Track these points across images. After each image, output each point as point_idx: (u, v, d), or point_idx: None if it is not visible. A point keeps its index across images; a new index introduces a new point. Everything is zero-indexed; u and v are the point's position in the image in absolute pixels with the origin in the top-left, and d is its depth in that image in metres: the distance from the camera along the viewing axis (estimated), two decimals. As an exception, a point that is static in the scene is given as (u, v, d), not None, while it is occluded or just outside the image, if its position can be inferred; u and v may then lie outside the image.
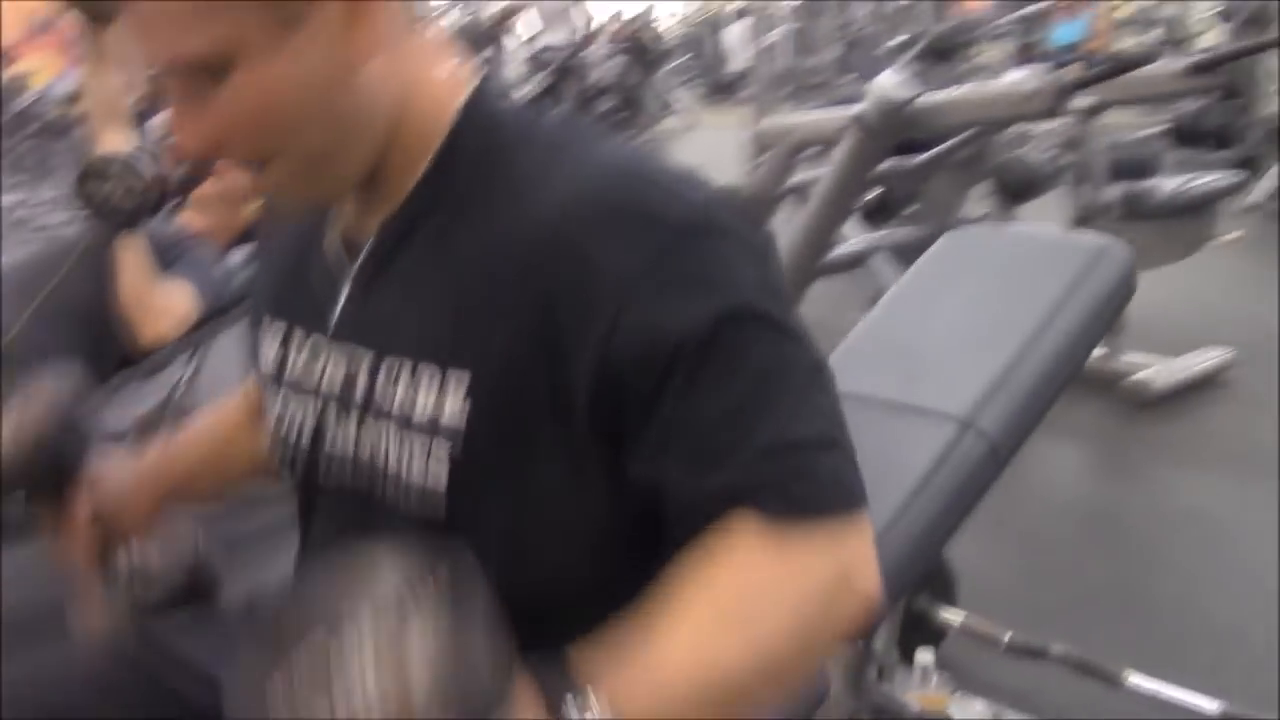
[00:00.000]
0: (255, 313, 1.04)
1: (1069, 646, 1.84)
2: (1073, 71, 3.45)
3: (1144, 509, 2.85)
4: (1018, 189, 4.07)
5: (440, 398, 0.84)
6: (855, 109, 4.17)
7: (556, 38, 8.63)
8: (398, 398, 0.87)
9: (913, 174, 4.39)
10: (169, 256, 2.65)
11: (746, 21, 15.24)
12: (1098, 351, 3.40)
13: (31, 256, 2.84)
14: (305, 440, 0.96)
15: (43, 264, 2.71)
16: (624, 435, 0.82)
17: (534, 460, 0.84)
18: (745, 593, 0.79)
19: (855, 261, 4.46)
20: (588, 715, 0.73)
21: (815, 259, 4.33)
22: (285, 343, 0.98)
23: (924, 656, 1.71)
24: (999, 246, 1.68)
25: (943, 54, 5.67)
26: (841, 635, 0.84)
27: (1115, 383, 3.52)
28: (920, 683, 1.65)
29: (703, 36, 15.71)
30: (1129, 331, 3.56)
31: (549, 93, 8.18)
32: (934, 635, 1.86)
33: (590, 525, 0.88)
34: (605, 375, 0.80)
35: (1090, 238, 1.59)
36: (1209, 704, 1.75)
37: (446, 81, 0.90)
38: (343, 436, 0.92)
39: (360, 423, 0.90)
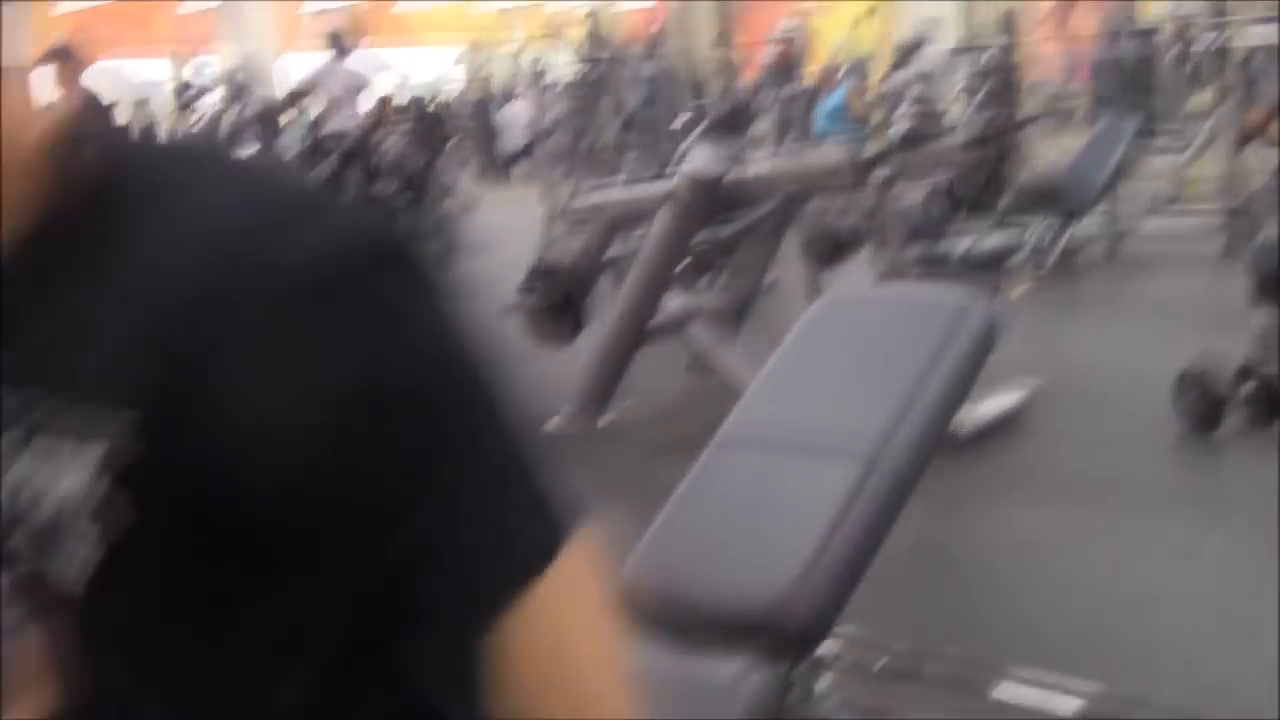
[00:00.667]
0: None
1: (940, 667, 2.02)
2: (872, 148, 3.77)
3: (969, 541, 3.11)
4: (827, 252, 4.36)
5: (83, 474, 0.69)
6: (670, 184, 4.40)
7: (343, 121, 8.61)
8: (38, 478, 0.71)
9: (726, 242, 4.64)
10: None
11: (521, 101, 15.55)
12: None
13: None
14: None
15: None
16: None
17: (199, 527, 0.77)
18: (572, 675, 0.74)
19: (675, 327, 4.65)
20: None
21: (639, 327, 4.51)
22: None
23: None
24: (872, 307, 1.87)
25: (729, 129, 5.97)
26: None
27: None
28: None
29: (474, 114, 15.86)
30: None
31: (337, 176, 8.16)
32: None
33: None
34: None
35: (953, 294, 1.80)
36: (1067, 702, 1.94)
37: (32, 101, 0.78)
38: None
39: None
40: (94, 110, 0.85)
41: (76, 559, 0.69)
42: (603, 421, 4.56)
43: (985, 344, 1.69)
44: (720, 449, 1.69)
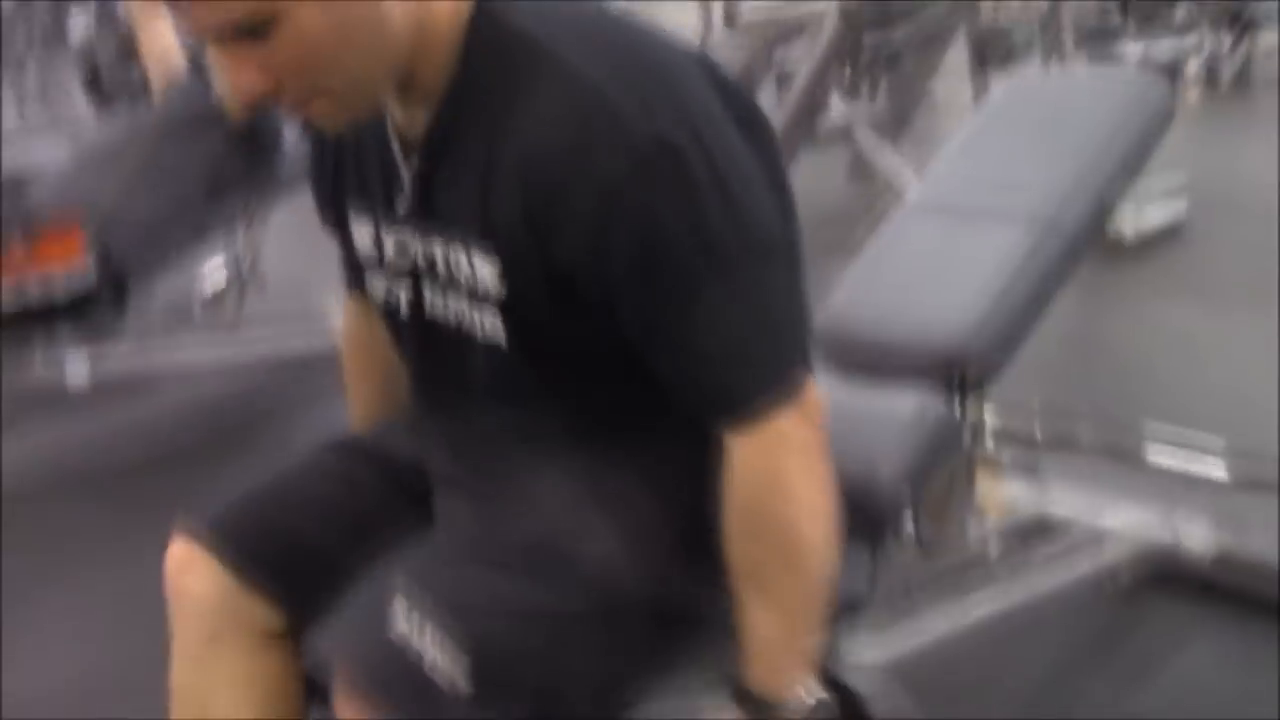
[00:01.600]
0: (333, 208, 1.19)
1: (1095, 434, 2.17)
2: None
3: (1130, 333, 3.22)
4: (997, 56, 4.37)
5: (486, 274, 1.02)
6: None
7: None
8: (463, 275, 1.05)
9: (892, 48, 4.68)
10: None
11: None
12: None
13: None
14: (405, 310, 1.13)
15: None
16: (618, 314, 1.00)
17: (563, 318, 1.03)
18: (773, 513, 1.01)
19: (839, 134, 4.75)
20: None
21: (803, 134, 4.62)
22: (375, 232, 1.13)
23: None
24: (1055, 87, 1.99)
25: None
26: (826, 470, 1.05)
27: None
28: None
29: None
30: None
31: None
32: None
33: (619, 360, 1.04)
34: (591, 273, 0.98)
35: (1131, 75, 1.90)
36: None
37: None
38: (435, 305, 1.11)
39: (444, 294, 1.09)
40: None
41: (486, 321, 1.05)
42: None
43: (1162, 122, 1.80)
44: (907, 213, 1.86)
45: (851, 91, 4.99)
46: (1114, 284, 3.64)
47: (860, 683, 1.18)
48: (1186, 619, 1.96)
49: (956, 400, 1.68)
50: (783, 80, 4.98)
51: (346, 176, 1.16)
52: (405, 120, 1.06)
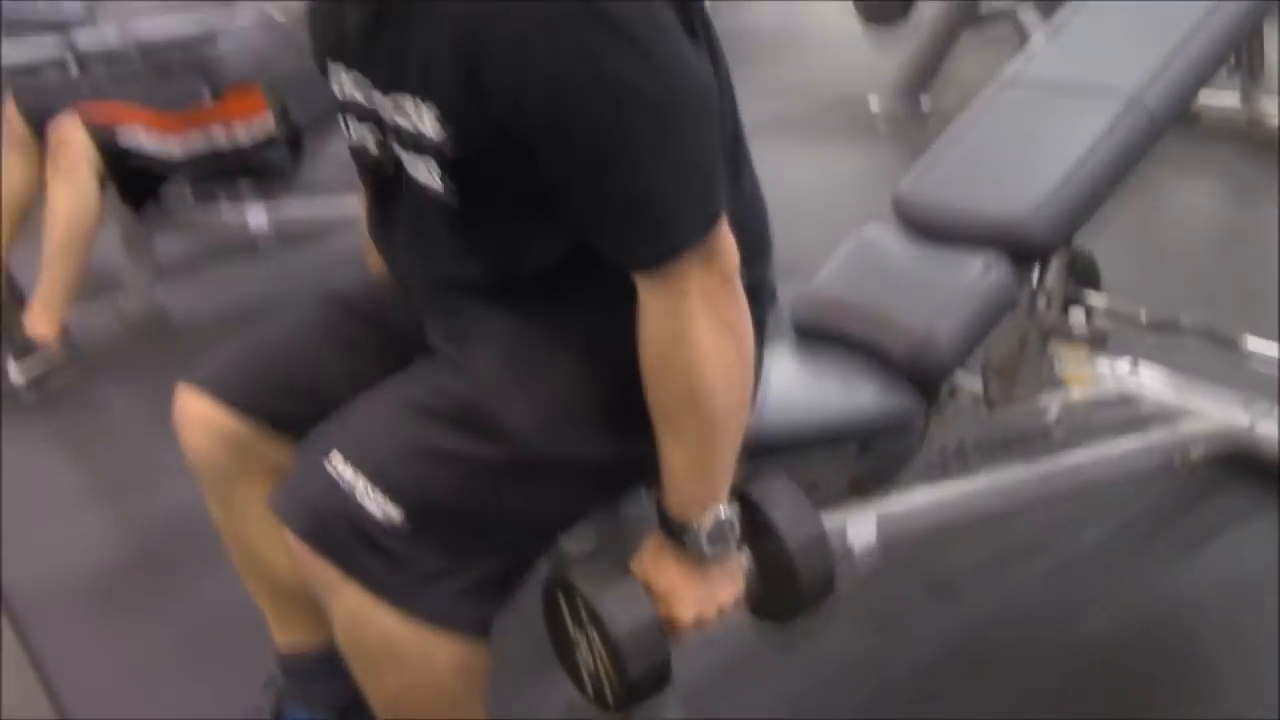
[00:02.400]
0: (320, 55, 1.27)
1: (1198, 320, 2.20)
2: None
3: (1271, 230, 3.17)
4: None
5: (427, 122, 1.10)
6: None
7: None
8: (406, 124, 1.13)
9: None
10: None
11: None
12: (1233, 100, 3.67)
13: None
14: (371, 150, 1.23)
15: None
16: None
17: (497, 168, 1.09)
18: (677, 359, 1.09)
19: (1004, 13, 4.66)
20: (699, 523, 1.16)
21: (966, 11, 4.56)
22: (341, 79, 1.22)
23: (1076, 316, 2.10)
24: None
25: None
26: (734, 316, 1.11)
27: (1251, 129, 3.77)
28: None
29: None
30: (1266, 81, 3.79)
31: None
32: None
33: (548, 215, 1.12)
34: (517, 125, 1.04)
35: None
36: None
37: None
38: (385, 150, 1.20)
39: (395, 140, 1.17)
40: None
41: (432, 171, 1.13)
42: (924, 105, 4.70)
43: (1259, 8, 1.81)
44: (998, 89, 1.93)
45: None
46: (1262, 183, 3.56)
47: (775, 509, 1.24)
48: (1249, 501, 2.01)
49: (1025, 269, 1.78)
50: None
51: (327, 29, 1.24)
52: None
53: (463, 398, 1.17)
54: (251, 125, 3.00)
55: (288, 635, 1.49)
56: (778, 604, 1.30)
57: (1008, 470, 1.77)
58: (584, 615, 1.18)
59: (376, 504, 1.11)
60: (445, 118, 1.09)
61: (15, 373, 2.71)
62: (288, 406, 1.29)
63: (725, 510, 1.18)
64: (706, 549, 1.18)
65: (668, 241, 1.06)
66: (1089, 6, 1.99)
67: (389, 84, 1.14)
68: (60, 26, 5.72)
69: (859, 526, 1.60)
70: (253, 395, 1.34)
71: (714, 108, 1.09)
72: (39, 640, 1.89)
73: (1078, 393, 2.03)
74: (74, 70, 4.27)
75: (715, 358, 1.10)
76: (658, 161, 1.04)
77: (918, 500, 1.68)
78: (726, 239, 1.09)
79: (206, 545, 1.80)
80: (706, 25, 1.13)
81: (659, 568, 1.20)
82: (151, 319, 3.16)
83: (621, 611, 1.16)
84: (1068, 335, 1.95)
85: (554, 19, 0.98)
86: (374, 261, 1.42)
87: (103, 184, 2.84)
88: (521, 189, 1.11)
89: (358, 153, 1.26)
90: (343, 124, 1.27)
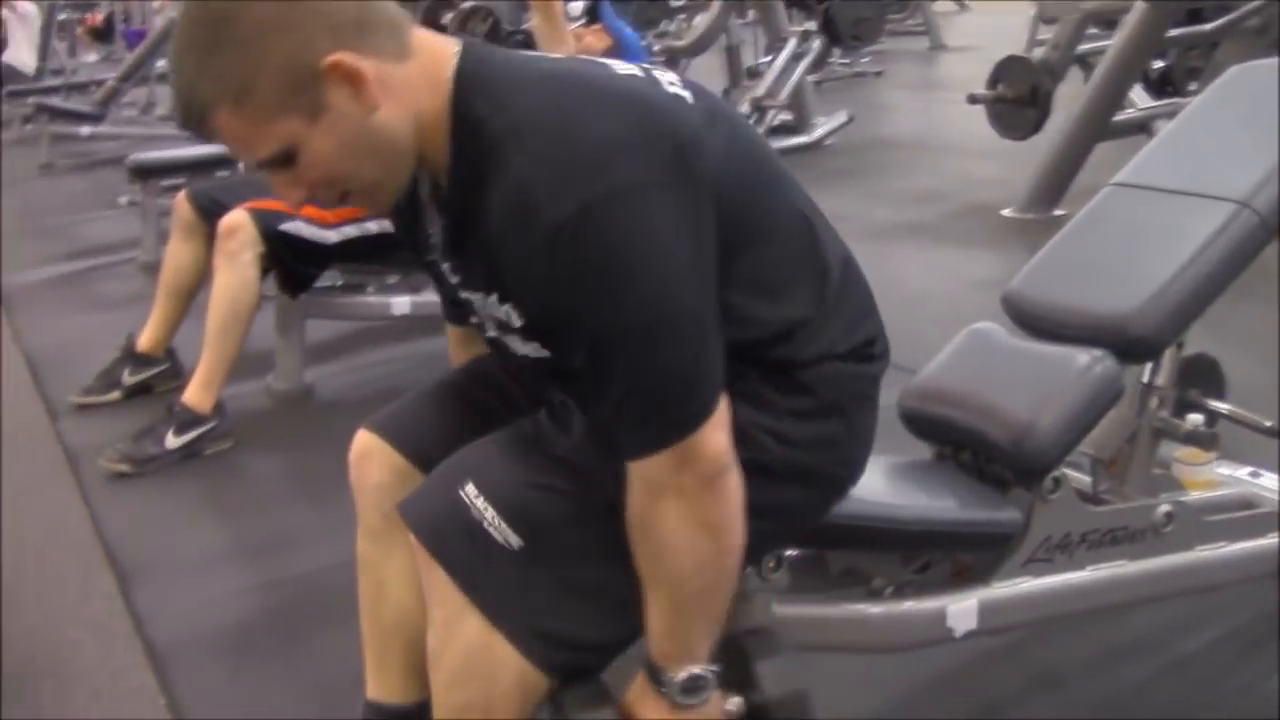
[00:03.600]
0: (416, 255, 1.43)
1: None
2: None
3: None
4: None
5: (509, 313, 1.25)
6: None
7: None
8: (490, 309, 1.28)
9: (1199, 42, 4.56)
10: None
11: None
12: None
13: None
14: (481, 329, 1.38)
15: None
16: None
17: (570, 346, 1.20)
18: (646, 543, 1.20)
19: (1139, 127, 4.68)
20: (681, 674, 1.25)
21: (1101, 123, 4.59)
22: (440, 270, 1.37)
23: (1194, 418, 2.11)
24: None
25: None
26: (707, 510, 1.20)
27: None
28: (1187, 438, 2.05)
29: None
30: None
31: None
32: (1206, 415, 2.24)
33: None
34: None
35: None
36: None
37: (435, 75, 1.19)
38: (485, 329, 1.35)
39: (484, 321, 1.33)
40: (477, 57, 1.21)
41: (529, 348, 1.30)
42: (1057, 211, 4.71)
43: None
44: (1110, 191, 1.98)
45: (1159, 86, 4.90)
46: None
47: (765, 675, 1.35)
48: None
49: (1135, 367, 1.81)
50: (1088, 69, 4.95)
51: (417, 234, 1.38)
52: (433, 189, 1.29)
53: (576, 444, 1.29)
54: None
55: (382, 685, 1.58)
56: None
57: (1115, 566, 1.78)
58: None
59: (499, 531, 1.23)
60: (516, 308, 1.24)
61: (171, 440, 2.90)
62: (439, 450, 1.41)
63: (701, 668, 1.27)
64: (679, 698, 1.27)
65: (639, 442, 1.17)
66: (1202, 114, 2.04)
67: (472, 284, 1.30)
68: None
69: (961, 610, 1.63)
70: (414, 439, 1.51)
71: (704, 320, 1.18)
72: (178, 686, 2.01)
73: (1193, 494, 2.03)
74: (241, 168, 4.60)
75: (685, 553, 1.20)
76: (634, 376, 1.15)
77: (1021, 589, 1.69)
78: (711, 443, 1.17)
79: (337, 607, 1.92)
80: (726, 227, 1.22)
81: (642, 702, 1.29)
82: (299, 397, 3.35)
83: None
84: (1180, 436, 1.96)
85: (547, 248, 1.11)
86: (459, 358, 1.63)
87: (263, 271, 3.05)
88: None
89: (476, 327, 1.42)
90: (451, 314, 1.52)
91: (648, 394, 1.15)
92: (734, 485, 1.20)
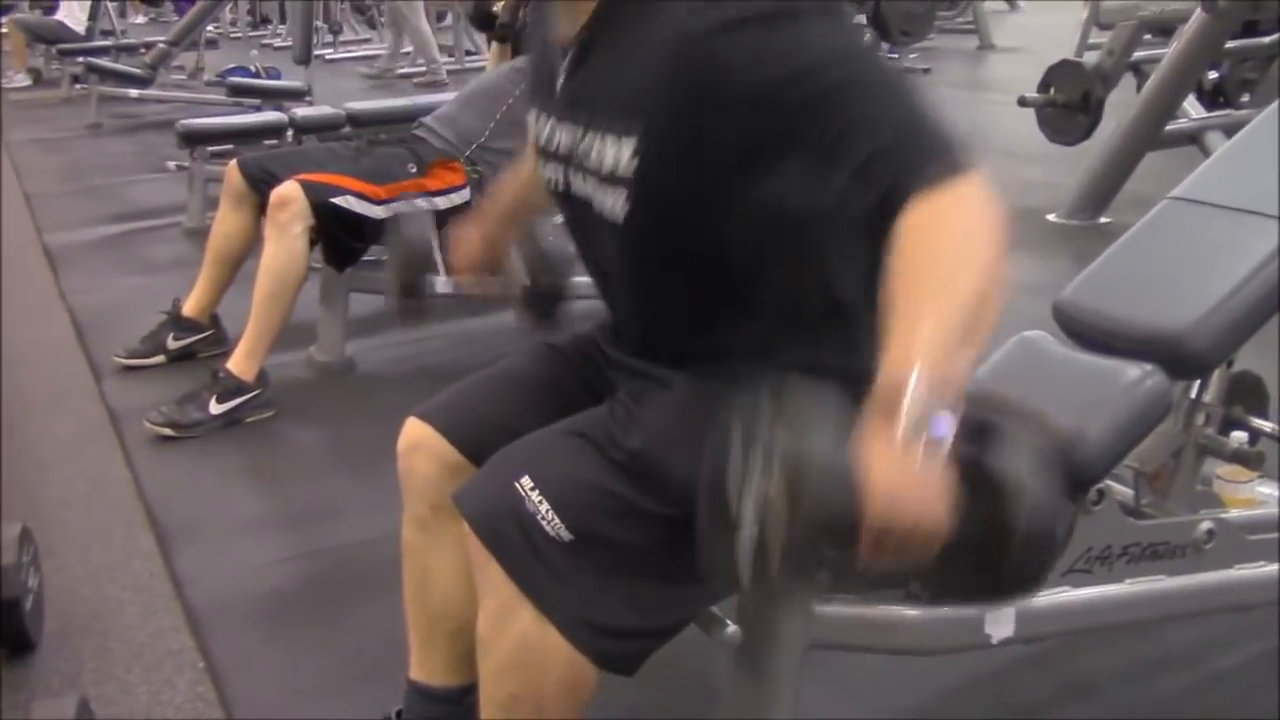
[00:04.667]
0: (527, 103, 1.47)
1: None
2: None
3: None
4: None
5: (619, 156, 1.23)
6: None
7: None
8: (595, 159, 1.27)
9: (1256, 54, 4.52)
10: None
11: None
12: None
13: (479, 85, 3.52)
14: (560, 189, 1.37)
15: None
16: (781, 162, 1.16)
17: (685, 191, 1.22)
18: (949, 240, 1.06)
19: (1190, 138, 4.64)
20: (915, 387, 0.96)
21: (1153, 132, 4.55)
22: (539, 124, 1.39)
23: (1238, 435, 2.10)
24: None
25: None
26: (1001, 233, 1.08)
27: None
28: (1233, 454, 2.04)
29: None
30: None
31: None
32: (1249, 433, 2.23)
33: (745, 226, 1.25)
34: (754, 130, 1.15)
35: None
36: None
37: None
38: (577, 187, 1.33)
39: (583, 178, 1.31)
40: None
41: (618, 201, 1.27)
42: (1102, 219, 4.69)
43: None
44: (1167, 205, 1.97)
45: (1212, 97, 4.86)
46: None
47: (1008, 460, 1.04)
48: None
49: (1183, 383, 1.81)
50: (1141, 77, 4.91)
51: (533, 82, 1.42)
52: (567, 27, 1.31)
53: (636, 450, 1.28)
54: (451, 196, 3.22)
55: (425, 667, 1.60)
56: (973, 573, 1.08)
57: (1153, 581, 1.78)
58: (774, 456, 0.98)
59: (551, 525, 1.23)
60: (643, 143, 1.22)
61: (215, 407, 2.93)
62: (490, 442, 1.40)
63: (945, 411, 0.98)
64: (915, 425, 0.96)
65: (952, 158, 1.11)
66: (1265, 131, 2.02)
67: (582, 122, 1.30)
68: (280, 98, 6.18)
69: (998, 617, 1.64)
70: (465, 430, 1.49)
71: None
72: (216, 650, 2.04)
73: (1235, 513, 2.02)
74: (290, 138, 4.63)
75: (993, 231, 1.07)
76: (903, 100, 1.15)
77: (1059, 599, 1.70)
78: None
79: (376, 579, 1.94)
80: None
81: (871, 447, 0.98)
82: (341, 370, 3.38)
83: (821, 453, 0.97)
84: (1226, 454, 1.95)
85: (763, 29, 1.13)
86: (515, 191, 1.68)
87: (311, 243, 3.08)
88: (701, 215, 1.25)
89: (551, 191, 1.41)
90: (541, 168, 1.43)
91: (932, 118, 1.14)
92: None
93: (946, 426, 0.96)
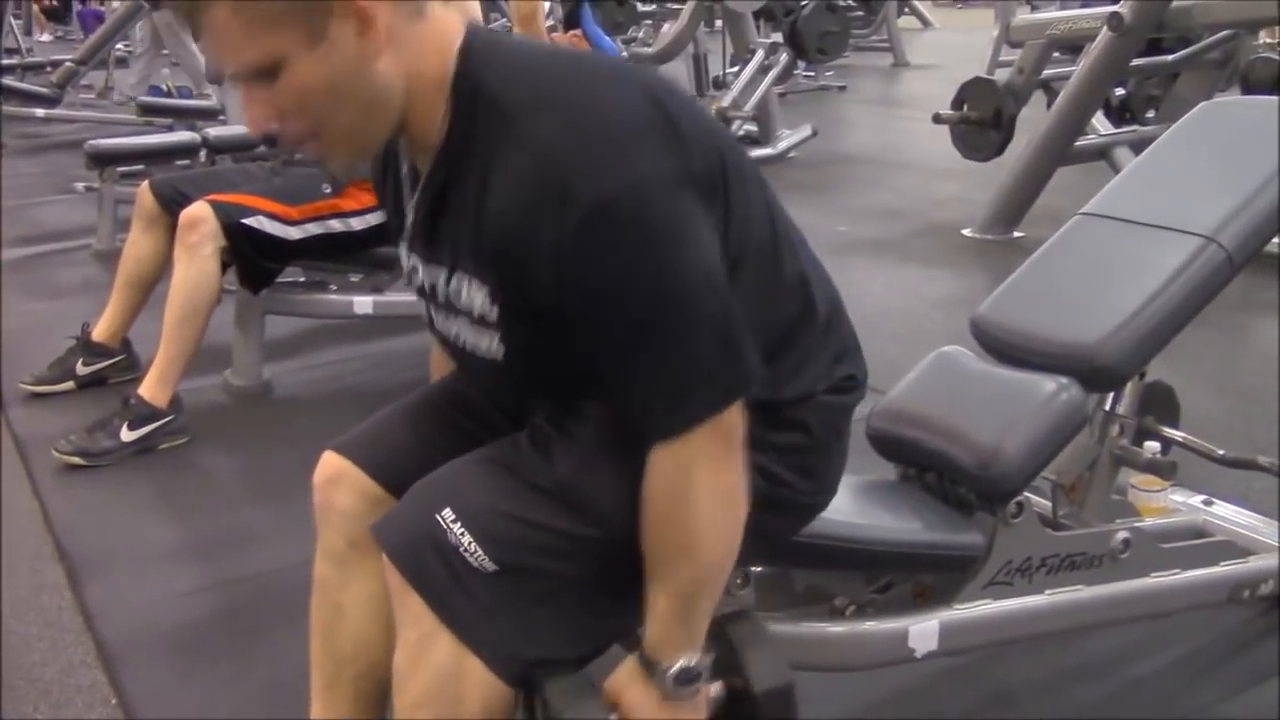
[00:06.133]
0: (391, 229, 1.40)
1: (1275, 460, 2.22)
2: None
3: None
4: (1266, 90, 4.27)
5: (483, 302, 1.22)
6: (1110, 9, 4.43)
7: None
8: (465, 301, 1.24)
9: (1161, 73, 4.64)
10: None
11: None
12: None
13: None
14: (435, 326, 1.35)
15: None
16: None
17: (545, 335, 1.20)
18: (676, 515, 1.18)
19: (1099, 153, 4.74)
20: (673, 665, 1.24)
21: (1062, 148, 4.64)
22: (408, 260, 1.34)
23: (1151, 445, 2.14)
24: (1251, 111, 2.06)
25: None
26: (734, 483, 1.21)
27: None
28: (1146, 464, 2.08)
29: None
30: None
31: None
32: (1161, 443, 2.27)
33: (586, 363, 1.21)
34: (556, 309, 1.15)
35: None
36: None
37: (442, 44, 1.17)
38: (451, 327, 1.30)
39: (446, 315, 1.29)
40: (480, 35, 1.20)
41: (492, 343, 1.26)
42: (1015, 233, 4.77)
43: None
44: (1080, 221, 2.00)
45: (1119, 113, 4.97)
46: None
47: (749, 653, 1.33)
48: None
49: (1098, 395, 1.83)
50: (1051, 94, 5.01)
51: (389, 205, 1.38)
52: (415, 162, 1.27)
53: (561, 479, 1.26)
54: (366, 216, 3.17)
55: (330, 707, 1.55)
56: None
57: (1072, 590, 1.80)
58: None
59: (475, 557, 1.20)
60: (494, 294, 1.21)
61: (126, 434, 2.86)
62: (410, 472, 1.37)
63: (696, 659, 1.26)
64: (671, 689, 1.25)
65: (683, 415, 1.16)
66: (1172, 148, 2.07)
67: (437, 262, 1.27)
68: (192, 117, 6.07)
69: (922, 631, 1.65)
70: (385, 462, 1.46)
71: (725, 295, 1.17)
72: (129, 685, 1.98)
73: (1149, 521, 2.06)
74: (203, 158, 4.54)
75: (711, 522, 1.20)
76: (665, 353, 1.15)
77: (981, 612, 1.71)
78: (737, 409, 1.18)
79: (293, 607, 1.89)
80: (735, 175, 1.24)
81: (629, 691, 1.27)
82: (257, 393, 3.32)
83: None
84: (1140, 464, 1.99)
85: (584, 229, 1.10)
86: (439, 372, 1.58)
87: (224, 265, 3.02)
88: (562, 357, 1.23)
89: (430, 328, 1.39)
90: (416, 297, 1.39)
91: (692, 367, 1.15)
92: (741, 451, 1.21)
93: (694, 668, 1.26)
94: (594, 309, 1.14)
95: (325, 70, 1.11)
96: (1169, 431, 2.16)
